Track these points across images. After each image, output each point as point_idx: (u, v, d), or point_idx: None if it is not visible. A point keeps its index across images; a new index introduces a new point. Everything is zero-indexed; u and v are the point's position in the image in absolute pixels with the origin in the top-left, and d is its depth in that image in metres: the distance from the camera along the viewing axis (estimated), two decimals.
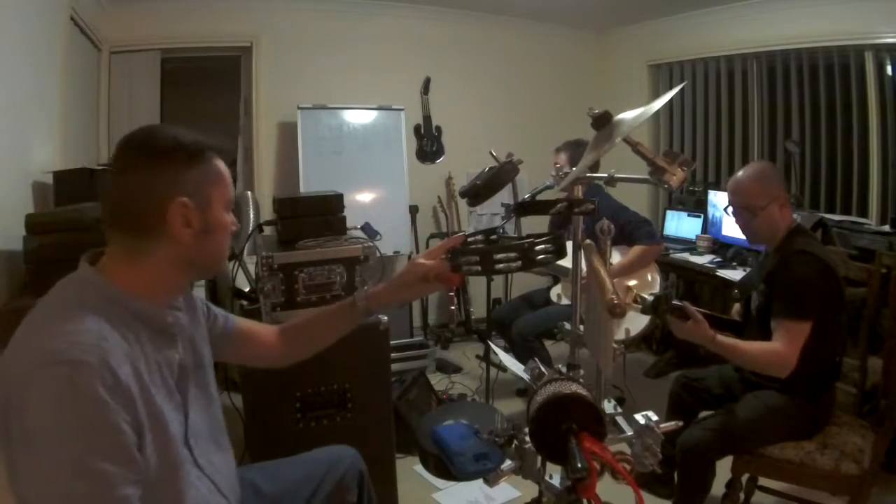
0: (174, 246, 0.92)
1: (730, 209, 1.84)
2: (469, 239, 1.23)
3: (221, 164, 0.98)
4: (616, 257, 2.72)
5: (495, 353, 1.53)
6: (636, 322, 2.58)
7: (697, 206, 3.75)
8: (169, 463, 0.87)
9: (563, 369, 1.20)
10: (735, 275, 2.95)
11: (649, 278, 2.80)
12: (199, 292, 2.64)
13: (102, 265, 0.92)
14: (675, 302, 1.61)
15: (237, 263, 2.03)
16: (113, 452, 0.76)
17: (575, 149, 2.76)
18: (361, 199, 3.77)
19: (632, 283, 2.75)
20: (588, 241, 1.19)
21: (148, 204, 0.89)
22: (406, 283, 1.18)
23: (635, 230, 2.67)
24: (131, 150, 0.91)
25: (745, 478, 1.86)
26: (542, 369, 1.17)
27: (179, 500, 0.90)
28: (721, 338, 1.61)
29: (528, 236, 1.15)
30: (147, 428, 0.83)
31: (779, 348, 1.60)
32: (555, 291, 2.94)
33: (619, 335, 2.61)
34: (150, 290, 0.92)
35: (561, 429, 0.94)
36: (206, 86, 4.57)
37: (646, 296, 1.62)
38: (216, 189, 0.95)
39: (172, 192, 0.89)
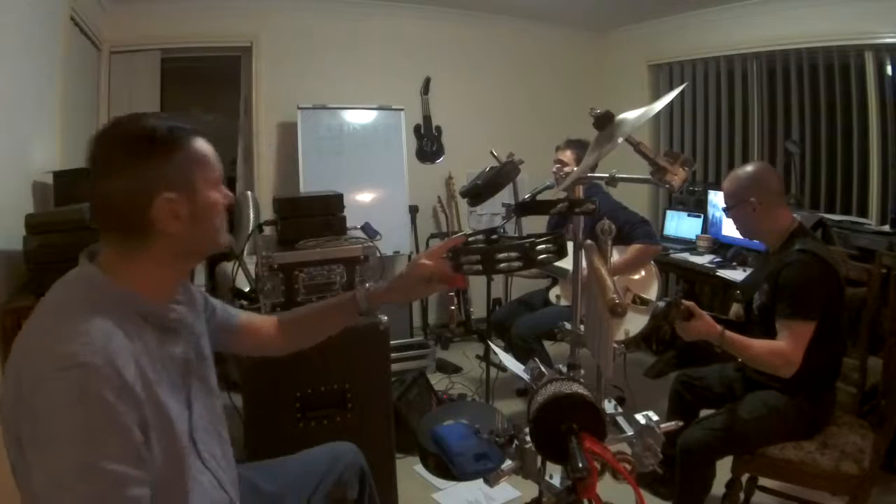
0: (167, 240, 0.90)
1: None
2: (470, 239, 1.23)
3: (201, 144, 0.93)
4: (614, 257, 2.71)
5: (495, 353, 1.53)
6: (636, 322, 2.58)
7: (697, 206, 3.75)
8: (174, 460, 0.87)
9: (564, 369, 1.20)
10: (735, 275, 2.95)
11: (648, 280, 2.80)
12: None
13: (102, 263, 0.91)
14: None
15: (237, 263, 2.03)
16: (122, 454, 0.76)
17: (583, 148, 2.75)
18: (361, 199, 3.77)
19: (633, 283, 2.76)
20: (589, 241, 1.18)
21: (131, 205, 0.87)
22: (409, 284, 1.18)
23: (633, 230, 2.67)
24: (106, 148, 0.88)
25: (745, 478, 1.86)
26: (543, 369, 1.17)
27: (185, 495, 0.90)
28: (728, 333, 1.62)
29: (529, 236, 1.15)
30: (152, 427, 0.83)
31: (784, 347, 1.61)
32: (553, 292, 2.94)
33: (619, 335, 2.62)
34: (150, 286, 0.92)
35: (561, 429, 0.94)
36: (206, 86, 4.57)
37: (646, 297, 1.62)
38: (199, 172, 0.92)
39: (155, 189, 0.87)
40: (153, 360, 0.88)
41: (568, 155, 2.79)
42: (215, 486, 0.99)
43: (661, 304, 1.61)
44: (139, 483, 0.77)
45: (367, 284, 1.23)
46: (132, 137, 0.87)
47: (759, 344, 1.65)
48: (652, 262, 2.81)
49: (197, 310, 1.10)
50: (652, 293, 2.76)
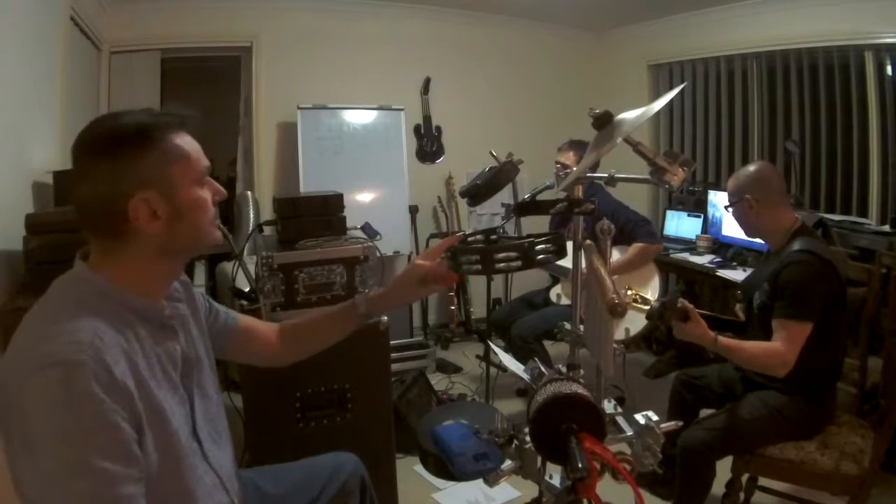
0: (148, 239, 0.88)
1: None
2: (469, 239, 1.23)
3: (180, 138, 0.91)
4: (615, 256, 2.72)
5: (495, 353, 1.53)
6: (636, 322, 2.58)
7: (697, 206, 3.75)
8: (171, 457, 0.86)
9: (563, 369, 1.20)
10: (735, 275, 2.95)
11: (649, 278, 2.80)
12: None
13: (93, 262, 0.90)
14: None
15: (237, 263, 2.03)
16: (112, 450, 0.75)
17: (585, 149, 2.76)
18: (361, 199, 3.77)
19: (633, 281, 2.76)
20: (588, 241, 1.18)
21: (107, 208, 0.85)
22: (405, 286, 1.19)
23: (635, 229, 2.68)
24: (77, 152, 0.86)
25: (745, 478, 1.86)
26: (542, 369, 1.17)
27: (187, 493, 0.90)
28: (722, 339, 1.62)
29: (529, 236, 1.15)
30: (146, 424, 0.82)
31: (779, 347, 1.61)
32: (554, 291, 2.94)
33: (619, 335, 2.62)
34: (140, 285, 0.91)
35: (561, 429, 0.94)
36: (206, 86, 4.58)
37: (647, 296, 1.62)
38: (177, 168, 0.89)
39: (129, 190, 0.85)
40: (148, 358, 0.88)
41: (570, 156, 2.79)
42: (218, 486, 0.99)
43: (657, 304, 1.61)
44: (130, 481, 0.77)
45: (366, 290, 1.23)
46: (101, 139, 0.86)
47: (753, 345, 1.65)
48: (652, 261, 2.81)
49: (197, 311, 1.09)
50: (652, 291, 2.77)
